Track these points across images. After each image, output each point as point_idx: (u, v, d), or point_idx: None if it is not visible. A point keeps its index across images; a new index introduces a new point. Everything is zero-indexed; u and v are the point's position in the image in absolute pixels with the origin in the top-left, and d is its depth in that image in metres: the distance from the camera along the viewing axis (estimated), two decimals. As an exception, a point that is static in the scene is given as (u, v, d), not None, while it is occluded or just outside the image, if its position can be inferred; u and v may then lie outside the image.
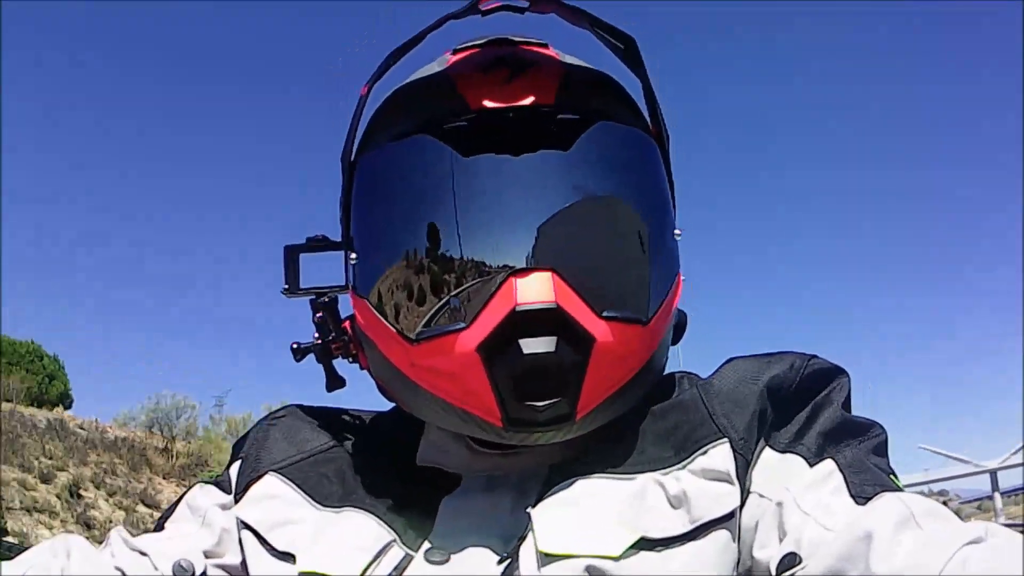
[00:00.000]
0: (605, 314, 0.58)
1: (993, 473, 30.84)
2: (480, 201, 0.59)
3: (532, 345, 0.56)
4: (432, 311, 0.59)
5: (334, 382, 0.72)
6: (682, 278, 0.67)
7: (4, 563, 0.61)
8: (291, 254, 0.69)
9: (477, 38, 0.66)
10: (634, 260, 0.61)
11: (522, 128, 0.60)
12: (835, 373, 0.63)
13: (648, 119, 0.68)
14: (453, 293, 0.59)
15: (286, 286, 0.69)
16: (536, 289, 0.56)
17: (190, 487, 0.72)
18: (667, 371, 0.70)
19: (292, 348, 0.70)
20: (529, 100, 0.61)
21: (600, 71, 0.67)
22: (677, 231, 0.67)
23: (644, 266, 0.61)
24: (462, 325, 0.57)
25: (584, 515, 0.58)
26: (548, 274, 0.56)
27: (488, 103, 0.61)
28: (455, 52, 0.67)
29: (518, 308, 0.55)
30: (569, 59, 0.67)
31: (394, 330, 0.61)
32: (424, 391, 0.62)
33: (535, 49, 0.66)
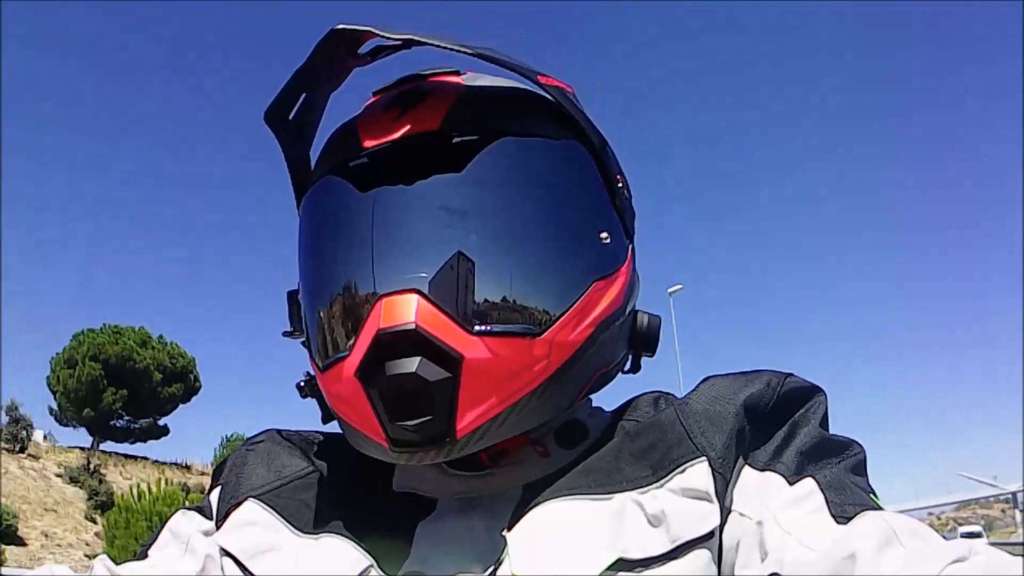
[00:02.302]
0: (477, 329, 0.58)
1: (1015, 495, 31.31)
2: (360, 233, 0.61)
3: (395, 366, 0.56)
4: (328, 340, 0.63)
5: (326, 414, 0.73)
6: (620, 283, 0.66)
7: None
8: (292, 298, 0.71)
9: (396, 79, 0.68)
10: (518, 271, 0.60)
11: (399, 159, 0.61)
12: (812, 392, 0.63)
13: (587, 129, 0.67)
14: (339, 322, 0.61)
15: (290, 329, 0.71)
16: (398, 311, 0.57)
17: (172, 513, 0.72)
18: (650, 389, 0.70)
19: (297, 386, 0.72)
20: (408, 131, 0.62)
21: (511, 87, 0.68)
22: (604, 234, 0.65)
23: (533, 276, 0.61)
24: (346, 352, 0.59)
25: (560, 537, 0.57)
26: (411, 295, 0.57)
27: (371, 141, 0.63)
28: (374, 94, 0.69)
29: (380, 331, 0.57)
30: (483, 81, 0.67)
31: (313, 362, 0.66)
32: (340, 417, 0.64)
33: (441, 79, 0.67)
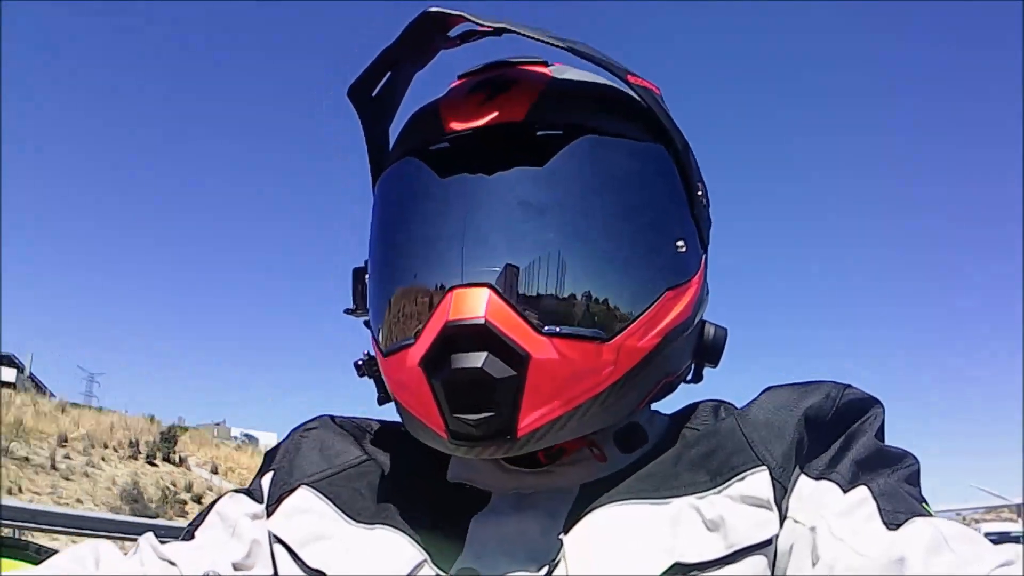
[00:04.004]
0: (547, 330, 0.57)
1: (1019, 507, 32.17)
2: (435, 220, 0.61)
3: (461, 360, 0.56)
4: (394, 326, 0.63)
5: (383, 396, 0.71)
6: (691, 293, 0.65)
7: (32, 568, 0.64)
8: (358, 275, 0.71)
9: (483, 64, 0.67)
10: (592, 274, 0.59)
11: (482, 147, 0.61)
12: (870, 403, 0.64)
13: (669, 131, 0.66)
14: (407, 309, 0.61)
15: (353, 307, 0.71)
16: (469, 305, 0.56)
17: (221, 495, 0.72)
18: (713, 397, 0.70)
19: (355, 364, 0.72)
20: (494, 119, 0.61)
21: (598, 83, 0.66)
22: (680, 243, 0.64)
23: (608, 280, 0.60)
24: (412, 340, 0.59)
25: (617, 541, 0.58)
26: (483, 289, 0.56)
27: (456, 125, 0.62)
28: (459, 78, 0.68)
29: (448, 323, 0.56)
30: (570, 74, 0.66)
31: (375, 344, 0.66)
32: (400, 403, 0.65)
33: (528, 68, 0.66)
